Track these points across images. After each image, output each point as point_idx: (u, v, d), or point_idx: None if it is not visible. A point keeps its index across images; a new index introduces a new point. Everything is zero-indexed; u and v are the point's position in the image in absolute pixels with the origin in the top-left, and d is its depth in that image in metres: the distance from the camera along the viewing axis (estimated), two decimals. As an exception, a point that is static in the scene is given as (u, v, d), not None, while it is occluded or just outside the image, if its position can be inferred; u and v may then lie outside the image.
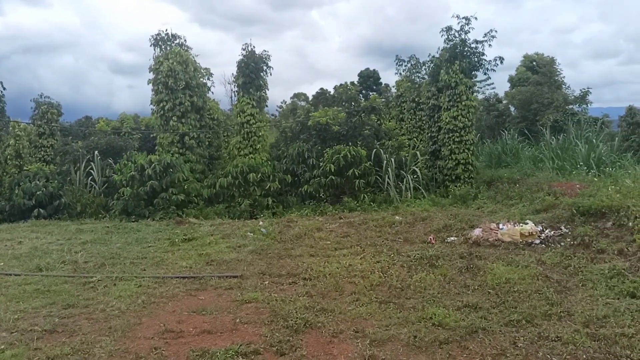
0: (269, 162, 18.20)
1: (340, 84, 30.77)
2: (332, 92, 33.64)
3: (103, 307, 7.02)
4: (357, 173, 16.39)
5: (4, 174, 19.52)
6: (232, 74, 19.70)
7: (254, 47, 19.06)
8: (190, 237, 11.89)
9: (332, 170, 16.33)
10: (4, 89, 19.11)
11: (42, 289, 7.91)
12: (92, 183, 19.91)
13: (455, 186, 16.54)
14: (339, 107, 20.76)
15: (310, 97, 46.42)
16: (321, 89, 42.74)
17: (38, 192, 16.70)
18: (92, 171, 20.05)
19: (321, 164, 17.05)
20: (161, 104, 18.14)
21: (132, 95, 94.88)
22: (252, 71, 18.67)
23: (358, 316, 6.64)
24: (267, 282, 8.34)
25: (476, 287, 7.66)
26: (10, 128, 23.05)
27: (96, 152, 20.32)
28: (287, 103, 53.81)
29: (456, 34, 17.01)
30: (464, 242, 10.32)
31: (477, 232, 10.64)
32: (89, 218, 16.64)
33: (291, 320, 6.39)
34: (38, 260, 9.83)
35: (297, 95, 54.26)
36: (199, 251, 10.59)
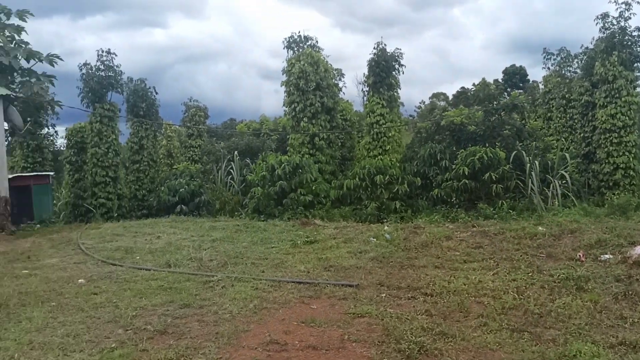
0: (398, 164, 17.51)
1: (479, 82, 28.99)
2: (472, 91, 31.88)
3: (216, 309, 6.99)
4: (494, 177, 15.03)
5: (157, 171, 21.38)
6: (364, 73, 19.44)
7: (385, 45, 18.58)
8: (313, 240, 11.74)
9: (466, 173, 15.18)
10: (157, 93, 20.93)
11: (165, 285, 8.19)
12: (232, 182, 21.03)
13: (613, 194, 14.57)
14: (478, 105, 19.40)
15: (450, 97, 44.83)
16: (462, 88, 40.78)
17: (181, 190, 17.90)
18: (232, 170, 21.19)
19: (454, 166, 15.95)
20: (292, 105, 18.45)
21: (277, 99, 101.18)
22: (382, 70, 18.18)
23: (484, 345, 5.75)
24: (384, 294, 7.73)
25: (636, 320, 6.27)
26: (163, 129, 25.41)
27: (236, 152, 21.43)
28: (425, 103, 52.59)
29: (614, 22, 15.13)
30: (621, 262, 8.69)
31: (638, 250, 8.92)
32: (225, 216, 17.44)
33: (405, 342, 5.71)
34: (169, 256, 10.33)
35: (436, 95, 52.79)
36: (319, 255, 10.34)
